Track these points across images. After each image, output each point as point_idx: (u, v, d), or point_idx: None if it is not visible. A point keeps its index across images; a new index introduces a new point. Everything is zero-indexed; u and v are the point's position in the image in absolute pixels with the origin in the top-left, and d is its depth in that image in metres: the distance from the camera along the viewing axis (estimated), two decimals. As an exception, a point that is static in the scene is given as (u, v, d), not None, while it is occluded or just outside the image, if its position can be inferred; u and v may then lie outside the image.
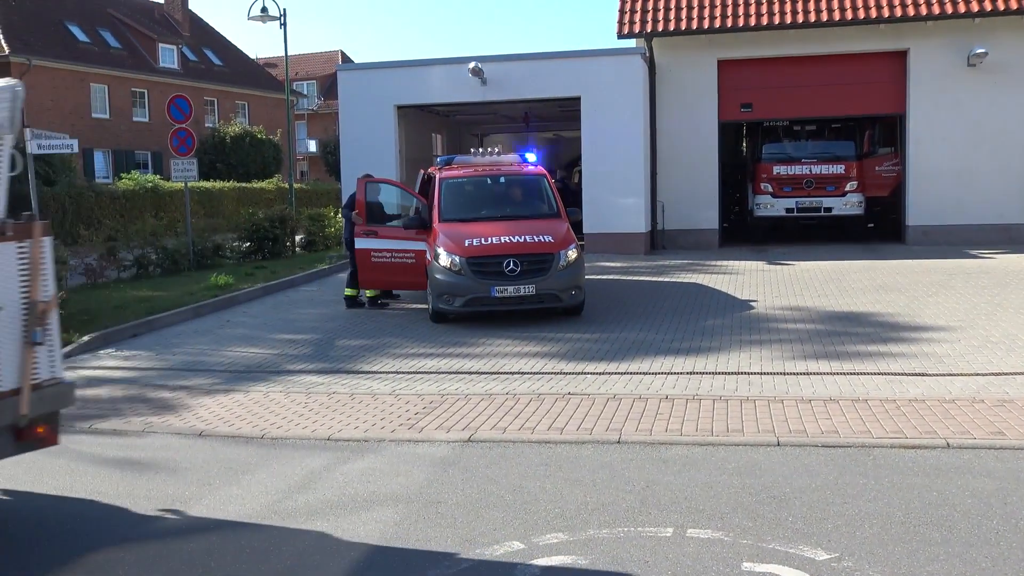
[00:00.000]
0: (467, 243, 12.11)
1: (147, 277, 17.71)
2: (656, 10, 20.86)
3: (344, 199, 17.42)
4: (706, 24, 20.40)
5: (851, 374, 8.96)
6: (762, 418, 7.58)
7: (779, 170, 21.30)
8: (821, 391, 8.39)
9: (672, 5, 20.85)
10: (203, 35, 50.40)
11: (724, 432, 7.27)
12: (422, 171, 15.37)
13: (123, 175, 31.92)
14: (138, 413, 8.62)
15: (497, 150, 15.02)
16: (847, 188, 21.07)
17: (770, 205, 21.37)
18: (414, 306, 13.88)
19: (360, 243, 13.36)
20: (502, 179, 13.84)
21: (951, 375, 8.80)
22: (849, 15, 19.78)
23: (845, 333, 10.89)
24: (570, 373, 9.44)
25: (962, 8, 19.42)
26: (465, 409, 8.24)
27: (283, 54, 27.23)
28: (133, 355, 11.27)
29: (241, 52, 53.01)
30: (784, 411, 7.77)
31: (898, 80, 20.51)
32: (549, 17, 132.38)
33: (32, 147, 12.71)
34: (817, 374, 9.02)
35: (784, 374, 9.07)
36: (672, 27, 20.51)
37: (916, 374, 8.87)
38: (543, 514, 5.72)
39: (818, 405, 7.91)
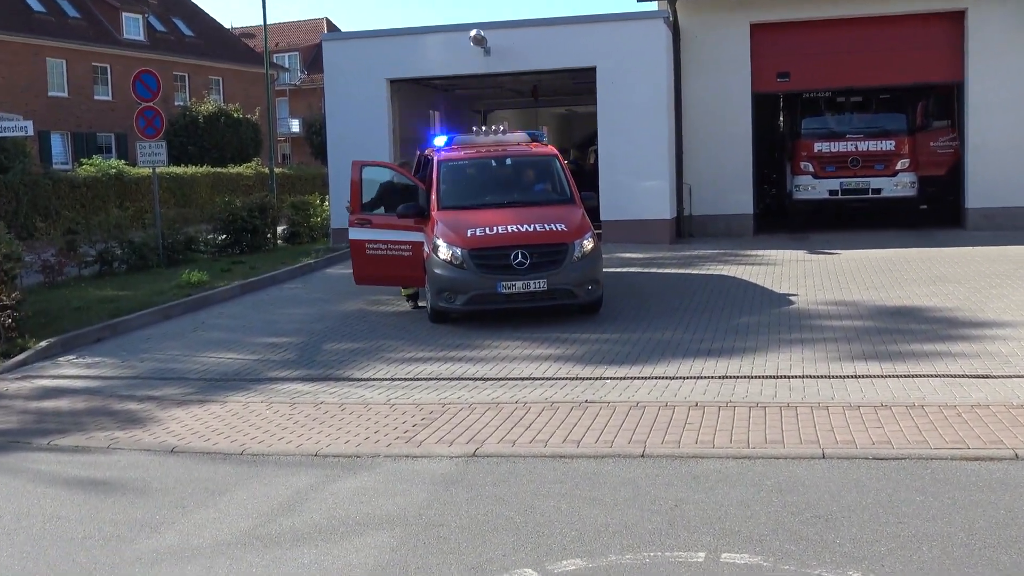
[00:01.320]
0: (469, 233, 12.09)
1: (111, 275, 17.76)
2: (680, -32, 20.82)
3: (330, 184, 17.42)
4: (737, -17, 20.33)
5: (905, 376, 8.92)
6: (805, 427, 7.56)
7: (821, 147, 21.24)
8: (871, 396, 8.36)
9: (699, -38, 20.81)
10: (171, 3, 50.50)
11: (762, 444, 7.24)
12: (419, 152, 15.37)
13: (84, 160, 32.03)
14: (102, 427, 8.64)
15: (502, 128, 15.00)
16: (898, 167, 20.99)
17: (811, 187, 21.32)
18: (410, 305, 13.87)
19: (353, 233, 13.33)
20: (508, 161, 13.82)
21: (1018, 377, 8.75)
22: (899, -30, 19.72)
23: (898, 330, 10.85)
24: (587, 378, 9.43)
25: (1027, -39, 19.32)
26: (469, 420, 8.23)
27: (262, 23, 27.28)
28: (96, 362, 11.30)
29: (214, 21, 53.15)
30: (830, 419, 7.74)
31: (955, 44, 20.40)
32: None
33: (-19, 130, 12.72)
34: (867, 377, 8.99)
35: (829, 377, 9.05)
36: (699, -13, 20.46)
37: (979, 376, 8.82)
38: (558, 538, 5.70)
39: (868, 412, 7.88)
